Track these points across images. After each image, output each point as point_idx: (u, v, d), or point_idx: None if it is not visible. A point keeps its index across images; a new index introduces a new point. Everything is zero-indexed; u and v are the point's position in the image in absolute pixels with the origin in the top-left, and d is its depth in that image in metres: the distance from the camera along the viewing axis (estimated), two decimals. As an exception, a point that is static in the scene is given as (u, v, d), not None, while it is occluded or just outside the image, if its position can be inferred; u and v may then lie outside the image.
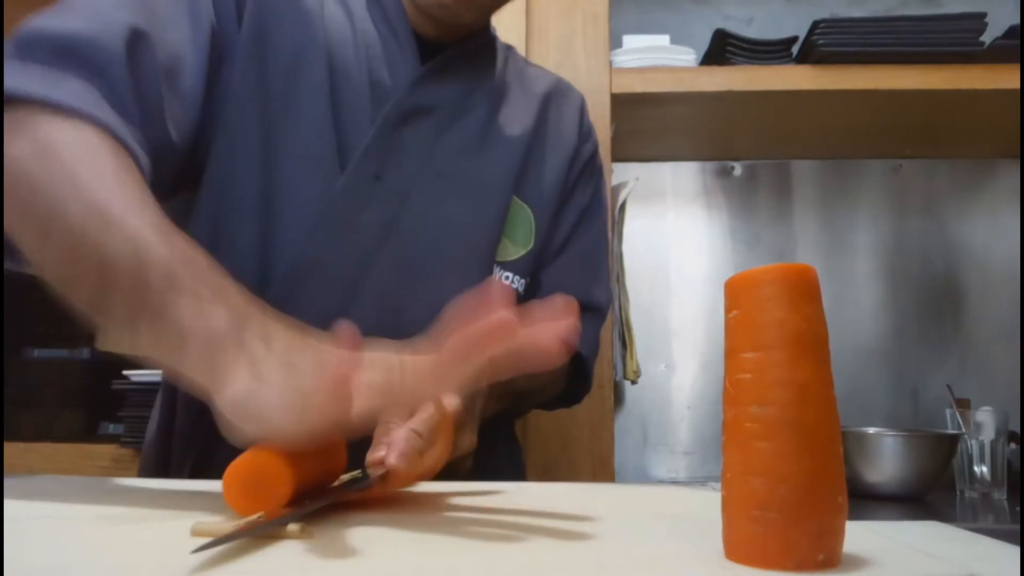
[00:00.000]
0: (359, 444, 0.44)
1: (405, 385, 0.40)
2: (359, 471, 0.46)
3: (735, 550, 0.31)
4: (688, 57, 1.29)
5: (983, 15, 1.21)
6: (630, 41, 1.31)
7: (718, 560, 0.31)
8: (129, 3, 0.57)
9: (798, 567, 0.29)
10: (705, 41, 1.33)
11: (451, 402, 0.49)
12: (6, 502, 0.42)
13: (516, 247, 0.76)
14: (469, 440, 0.57)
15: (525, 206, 0.76)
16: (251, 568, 0.29)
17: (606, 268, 0.85)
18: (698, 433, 1.50)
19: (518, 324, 0.35)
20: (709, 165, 1.55)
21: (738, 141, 1.47)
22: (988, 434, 1.20)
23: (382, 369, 0.41)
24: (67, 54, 0.52)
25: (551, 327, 0.39)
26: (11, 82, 0.49)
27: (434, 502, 0.46)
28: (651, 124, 1.37)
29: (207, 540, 0.30)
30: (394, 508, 0.43)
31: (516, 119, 0.77)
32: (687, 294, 1.53)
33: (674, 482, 1.36)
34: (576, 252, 0.81)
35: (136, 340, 0.45)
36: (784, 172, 1.54)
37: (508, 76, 0.80)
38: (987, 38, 1.21)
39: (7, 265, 0.54)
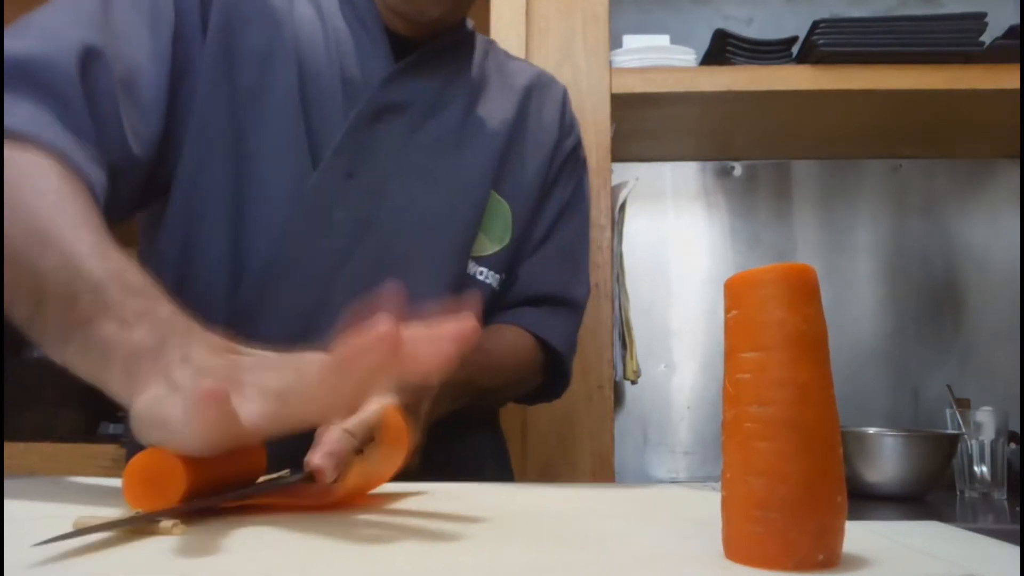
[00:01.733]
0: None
1: (302, 386, 0.38)
2: (287, 471, 0.45)
3: (735, 550, 0.31)
4: (688, 57, 1.29)
5: (983, 15, 1.21)
6: (630, 41, 1.31)
7: (718, 560, 0.31)
8: (84, 20, 0.58)
9: (798, 567, 0.29)
10: (705, 41, 1.33)
11: (385, 402, 0.47)
12: (7, 502, 0.42)
13: (492, 242, 0.75)
14: (413, 439, 0.56)
15: (503, 201, 0.76)
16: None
17: (586, 263, 0.85)
18: (698, 433, 1.50)
19: (400, 336, 0.35)
20: (709, 165, 1.55)
21: (738, 141, 1.47)
22: (988, 434, 1.20)
23: (277, 371, 0.40)
24: (19, 76, 0.53)
25: (437, 336, 0.37)
26: None
27: (381, 504, 0.45)
28: (651, 124, 1.37)
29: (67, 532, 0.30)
30: (325, 512, 0.41)
31: (495, 113, 0.77)
32: (687, 294, 1.53)
33: (674, 482, 1.36)
34: (556, 246, 0.81)
35: (66, 354, 0.46)
36: (784, 172, 1.54)
37: (488, 70, 0.80)
38: (987, 38, 1.21)
39: None
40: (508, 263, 0.77)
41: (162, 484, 0.38)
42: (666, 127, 1.39)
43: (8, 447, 1.24)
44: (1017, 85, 1.18)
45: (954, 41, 1.20)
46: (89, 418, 1.32)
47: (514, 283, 0.79)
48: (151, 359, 0.42)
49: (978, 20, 1.21)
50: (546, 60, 1.21)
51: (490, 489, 0.54)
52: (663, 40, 1.31)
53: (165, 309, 0.45)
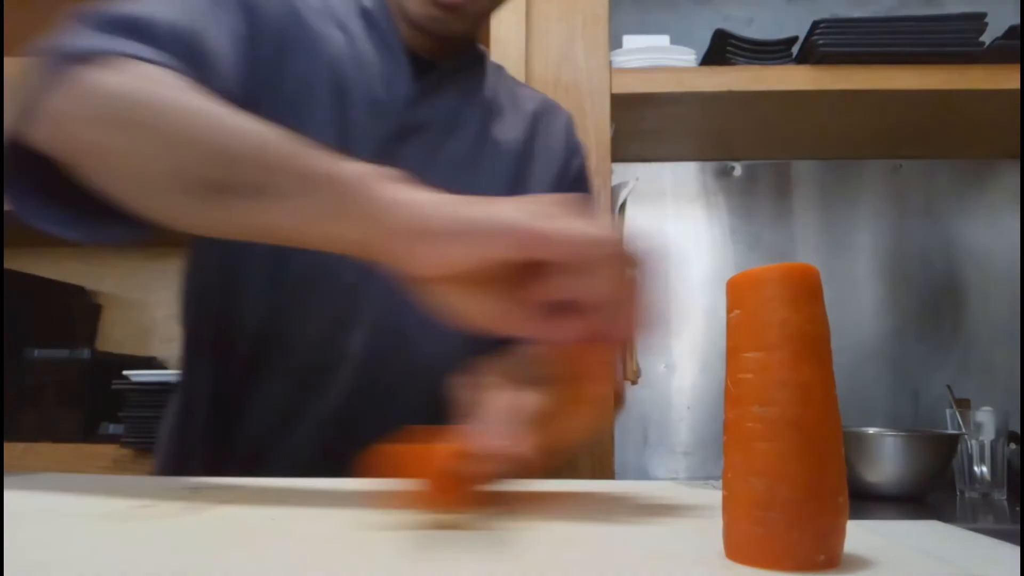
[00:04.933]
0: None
1: None
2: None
3: (736, 550, 0.31)
4: (688, 57, 1.29)
5: (983, 15, 1.21)
6: (630, 41, 1.31)
7: (718, 560, 0.31)
8: (181, 11, 0.59)
9: (799, 567, 0.29)
10: (705, 41, 1.33)
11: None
12: (8, 502, 0.42)
13: None
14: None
15: None
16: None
17: None
18: (698, 433, 1.50)
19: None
20: (709, 165, 1.55)
21: (738, 141, 1.47)
22: (988, 434, 1.20)
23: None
24: (138, 28, 0.54)
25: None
26: (90, 42, 0.52)
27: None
28: (651, 124, 1.37)
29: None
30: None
31: (507, 134, 0.79)
32: (687, 294, 1.53)
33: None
34: None
35: (272, 207, 0.46)
36: (784, 172, 1.54)
37: (498, 93, 0.81)
38: (987, 38, 1.21)
39: (86, 239, 0.56)
40: None
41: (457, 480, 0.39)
42: (666, 127, 1.39)
43: (8, 447, 1.24)
44: (1017, 85, 1.18)
45: (954, 41, 1.20)
46: (89, 418, 1.32)
47: None
48: (385, 181, 0.44)
49: (978, 20, 1.21)
50: (546, 60, 1.21)
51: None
52: (663, 40, 1.31)
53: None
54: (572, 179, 0.84)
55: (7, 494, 0.44)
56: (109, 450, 1.25)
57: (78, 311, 1.57)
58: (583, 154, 0.87)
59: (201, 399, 0.69)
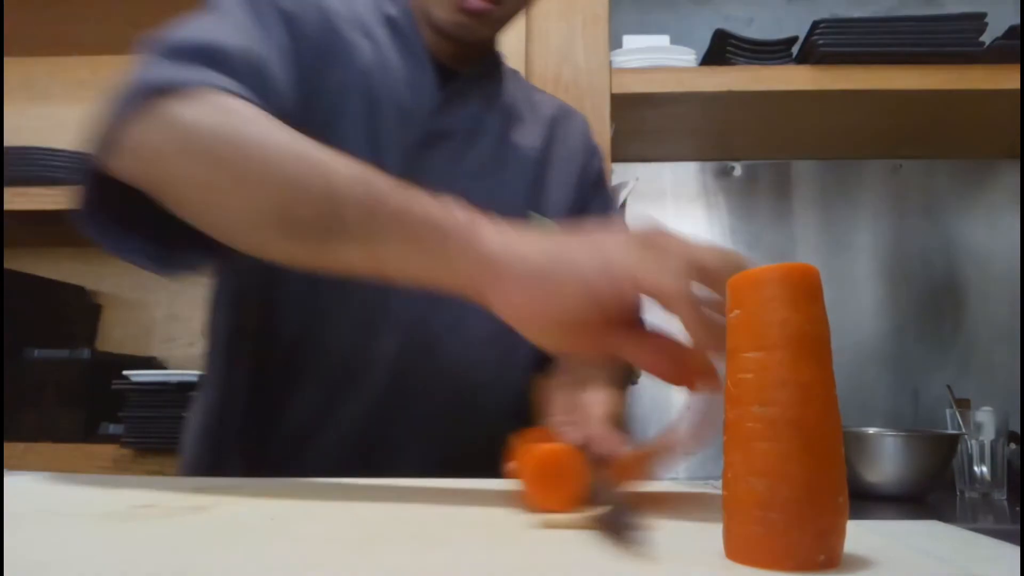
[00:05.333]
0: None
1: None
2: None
3: (736, 550, 0.31)
4: (688, 57, 1.29)
5: (983, 15, 1.21)
6: (630, 41, 1.31)
7: (718, 560, 0.31)
8: (233, 30, 0.60)
9: (799, 567, 0.29)
10: (705, 41, 1.33)
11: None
12: (9, 502, 0.42)
13: None
14: None
15: (545, 218, 0.78)
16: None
17: None
18: (698, 433, 1.49)
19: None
20: (709, 165, 1.55)
21: (738, 141, 1.47)
22: (988, 434, 1.20)
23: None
24: (211, 55, 0.55)
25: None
26: (170, 73, 0.52)
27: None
28: (651, 124, 1.37)
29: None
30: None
31: (526, 140, 0.79)
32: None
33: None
34: None
35: (378, 250, 0.47)
36: (784, 172, 1.54)
37: (517, 98, 0.82)
38: (987, 38, 1.21)
39: (162, 272, 0.58)
40: None
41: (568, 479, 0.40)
42: (666, 127, 1.39)
43: (8, 447, 1.24)
44: (1017, 85, 1.18)
45: (954, 41, 1.21)
46: (89, 418, 1.32)
47: None
48: (489, 224, 0.46)
49: (978, 20, 1.21)
50: (546, 60, 1.21)
51: (488, 488, 0.54)
52: (663, 40, 1.31)
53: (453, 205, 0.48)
54: (591, 182, 0.84)
55: (7, 494, 0.44)
56: (109, 450, 1.25)
57: (78, 311, 1.57)
58: (601, 156, 0.88)
59: (236, 403, 0.70)
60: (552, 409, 0.58)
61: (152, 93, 0.51)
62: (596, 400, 0.58)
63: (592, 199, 0.84)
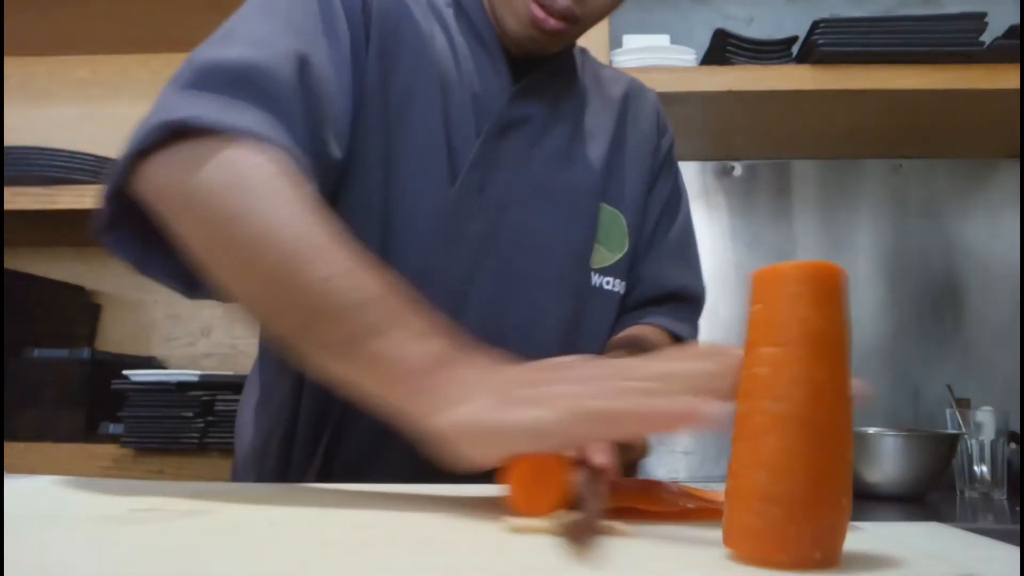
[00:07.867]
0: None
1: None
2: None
3: (733, 539, 0.31)
4: (688, 57, 1.29)
5: (983, 15, 1.21)
6: (630, 41, 1.31)
7: (718, 560, 0.31)
8: (283, 28, 0.59)
9: (794, 562, 0.29)
10: (705, 41, 1.33)
11: None
12: (9, 504, 0.42)
13: (611, 252, 0.78)
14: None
15: (615, 211, 0.78)
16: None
17: (696, 256, 0.87)
18: (698, 433, 1.50)
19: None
20: (709, 165, 1.55)
21: (738, 141, 1.47)
22: (988, 434, 1.20)
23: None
24: (243, 84, 0.54)
25: None
26: (193, 111, 0.51)
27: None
28: (651, 124, 1.37)
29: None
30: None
31: (597, 126, 0.79)
32: (687, 294, 1.52)
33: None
34: (664, 243, 0.83)
35: (339, 368, 0.47)
36: (784, 172, 1.54)
37: (587, 83, 0.81)
38: (987, 38, 1.21)
39: (187, 294, 0.58)
40: (629, 267, 0.80)
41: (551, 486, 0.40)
42: (666, 127, 1.39)
43: (8, 447, 1.24)
44: (1017, 85, 1.18)
45: (954, 41, 1.20)
46: (89, 418, 1.32)
47: (636, 285, 0.81)
48: (447, 371, 0.44)
49: (978, 20, 1.21)
50: (546, 60, 1.21)
51: (487, 488, 0.54)
52: (663, 40, 1.31)
53: (442, 328, 0.47)
54: (662, 160, 0.84)
55: (7, 497, 0.44)
56: (109, 450, 1.25)
57: (78, 311, 1.57)
58: (671, 133, 0.87)
59: (309, 411, 0.68)
60: None
61: (171, 132, 0.50)
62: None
63: (659, 177, 0.84)
